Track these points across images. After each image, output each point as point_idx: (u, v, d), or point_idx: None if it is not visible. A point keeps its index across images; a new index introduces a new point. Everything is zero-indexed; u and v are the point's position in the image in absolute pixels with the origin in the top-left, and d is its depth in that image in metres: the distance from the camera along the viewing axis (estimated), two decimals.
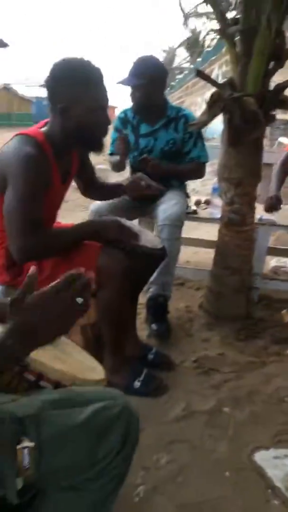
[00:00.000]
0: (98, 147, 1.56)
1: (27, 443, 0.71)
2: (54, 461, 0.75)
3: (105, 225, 1.55)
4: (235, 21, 1.92)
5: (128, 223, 1.67)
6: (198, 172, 2.38)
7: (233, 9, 2.29)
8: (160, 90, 2.24)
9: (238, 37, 1.95)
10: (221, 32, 1.94)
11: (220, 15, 1.94)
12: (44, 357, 0.88)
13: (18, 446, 0.71)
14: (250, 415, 1.58)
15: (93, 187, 1.91)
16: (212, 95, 1.98)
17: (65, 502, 0.82)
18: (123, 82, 2.19)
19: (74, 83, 1.40)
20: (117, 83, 2.23)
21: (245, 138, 1.98)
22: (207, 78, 1.98)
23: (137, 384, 1.67)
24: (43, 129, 1.52)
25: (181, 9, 2.02)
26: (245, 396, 1.69)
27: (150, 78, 2.13)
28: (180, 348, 2.04)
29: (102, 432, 0.79)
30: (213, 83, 1.98)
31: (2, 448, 0.71)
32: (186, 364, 1.92)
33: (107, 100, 1.48)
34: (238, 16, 1.91)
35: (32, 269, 0.81)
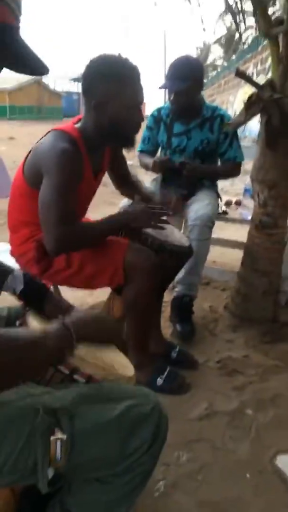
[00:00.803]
0: (129, 144, 1.57)
1: (60, 435, 0.74)
2: (85, 454, 0.77)
3: (134, 215, 1.54)
4: (279, 21, 1.89)
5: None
6: (234, 172, 2.39)
7: (273, 4, 2.25)
8: (200, 90, 2.23)
9: (281, 37, 1.92)
10: (265, 32, 1.92)
11: (264, 15, 1.91)
12: (81, 351, 0.91)
13: (52, 438, 0.73)
14: (274, 418, 1.58)
15: (126, 184, 1.92)
16: (251, 96, 1.96)
17: (91, 494, 0.84)
18: (167, 87, 2.16)
19: (110, 79, 1.41)
20: (160, 88, 2.22)
21: (282, 140, 1.95)
22: (247, 78, 1.96)
23: (160, 381, 1.69)
24: (77, 124, 1.55)
25: (228, 5, 1.98)
26: (268, 399, 1.68)
27: (194, 80, 2.12)
28: (203, 347, 2.05)
29: (133, 428, 0.81)
30: (253, 83, 1.96)
31: (36, 439, 0.73)
32: (210, 364, 1.92)
33: (142, 98, 1.49)
34: (283, 16, 1.88)
35: None
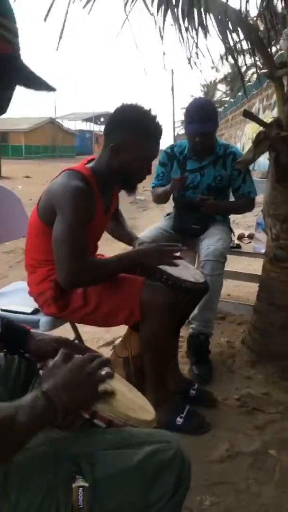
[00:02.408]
0: (131, 190, 1.66)
1: (82, 483, 0.72)
2: (108, 503, 0.75)
3: (145, 252, 1.58)
4: (283, 64, 1.98)
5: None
6: (248, 207, 2.45)
7: (274, 44, 2.35)
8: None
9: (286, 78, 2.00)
10: (269, 74, 2.00)
11: (267, 58, 2.00)
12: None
13: (74, 485, 0.72)
14: None
15: (113, 221, 1.94)
16: (259, 134, 2.02)
17: None
18: (194, 130, 2.24)
19: (134, 131, 1.50)
20: (188, 133, 2.30)
21: None
22: (254, 118, 2.03)
23: (179, 420, 1.66)
24: (89, 165, 1.62)
25: (226, 46, 2.09)
26: None
27: (216, 121, 2.25)
28: (222, 384, 2.01)
29: (155, 475, 0.78)
30: (261, 122, 2.02)
31: (58, 486, 0.72)
32: (229, 402, 1.88)
33: (155, 155, 1.59)
34: (286, 59, 1.97)
35: None
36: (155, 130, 1.54)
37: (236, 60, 2.10)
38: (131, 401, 1.03)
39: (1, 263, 4.07)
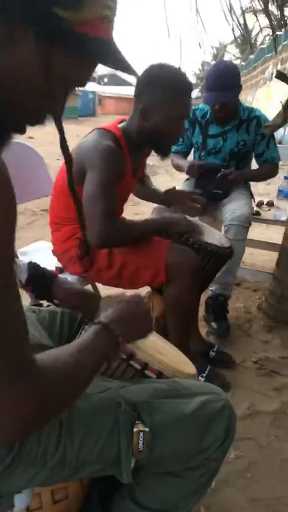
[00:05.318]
0: (165, 153, 1.61)
1: (142, 427, 0.76)
2: (165, 447, 0.80)
3: (173, 220, 1.60)
4: None
5: (194, 220, 1.70)
6: (273, 173, 2.40)
7: None
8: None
9: None
10: None
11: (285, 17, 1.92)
12: (148, 348, 0.93)
13: (135, 429, 0.76)
14: None
15: (141, 185, 1.94)
16: None
17: (163, 487, 0.86)
18: (213, 98, 2.16)
19: (165, 90, 1.45)
20: (206, 103, 2.23)
21: None
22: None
23: (201, 379, 1.70)
24: (121, 125, 1.59)
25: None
26: None
27: (237, 87, 2.15)
28: (239, 347, 2.06)
29: (208, 423, 0.83)
30: None
31: (119, 431, 0.76)
32: (247, 364, 1.93)
33: (188, 113, 1.53)
34: None
35: None
36: (186, 87, 1.48)
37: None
38: (175, 356, 1.06)
39: None
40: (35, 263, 1.11)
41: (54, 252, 1.75)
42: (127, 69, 0.66)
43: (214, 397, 0.86)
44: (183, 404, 0.83)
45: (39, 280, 1.08)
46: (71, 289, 1.08)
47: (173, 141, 1.59)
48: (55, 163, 3.62)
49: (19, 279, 1.06)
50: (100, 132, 1.52)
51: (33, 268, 1.09)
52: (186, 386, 0.88)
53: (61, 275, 1.17)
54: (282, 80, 1.96)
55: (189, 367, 1.03)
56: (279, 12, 2.47)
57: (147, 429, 0.76)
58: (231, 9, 1.98)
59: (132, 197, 1.84)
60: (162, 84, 1.45)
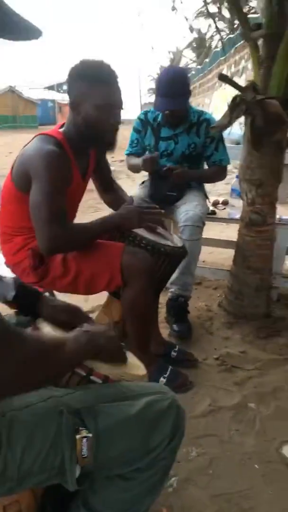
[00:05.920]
0: (107, 147, 1.59)
1: (85, 433, 0.76)
2: (110, 451, 0.80)
3: (125, 217, 1.57)
4: (258, 25, 1.96)
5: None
6: (220, 175, 2.42)
7: (253, 13, 2.33)
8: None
9: (261, 41, 1.99)
10: (244, 36, 1.98)
11: (243, 20, 1.98)
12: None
13: (77, 436, 0.75)
14: (276, 410, 1.62)
15: (109, 191, 1.93)
16: (235, 98, 2.02)
17: (115, 491, 0.86)
18: (164, 105, 2.17)
19: (84, 79, 1.45)
20: (156, 109, 2.24)
21: (267, 140, 2.02)
22: (230, 81, 2.02)
23: (162, 380, 1.71)
24: (61, 129, 1.58)
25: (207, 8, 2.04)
26: (269, 392, 1.72)
27: (187, 93, 2.18)
28: (201, 346, 2.08)
29: (154, 423, 0.84)
30: (236, 86, 2.01)
31: (62, 438, 0.75)
32: (209, 361, 1.96)
33: (115, 100, 1.50)
34: (261, 20, 1.95)
35: None
36: (107, 75, 1.47)
37: (213, 17, 2.05)
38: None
39: None
40: (21, 282, 1.10)
41: (7, 264, 1.72)
42: (26, 32, 0.57)
43: (160, 396, 0.87)
44: (128, 406, 0.83)
45: (26, 298, 1.07)
46: (58, 306, 1.07)
47: (108, 131, 1.53)
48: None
49: (5, 295, 1.05)
50: (42, 137, 1.51)
51: (20, 285, 1.08)
52: (132, 388, 0.88)
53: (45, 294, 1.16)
54: (224, 82, 2.00)
55: (137, 369, 1.03)
56: (230, 16, 2.54)
57: (90, 435, 0.75)
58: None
59: None
60: (83, 75, 1.46)
